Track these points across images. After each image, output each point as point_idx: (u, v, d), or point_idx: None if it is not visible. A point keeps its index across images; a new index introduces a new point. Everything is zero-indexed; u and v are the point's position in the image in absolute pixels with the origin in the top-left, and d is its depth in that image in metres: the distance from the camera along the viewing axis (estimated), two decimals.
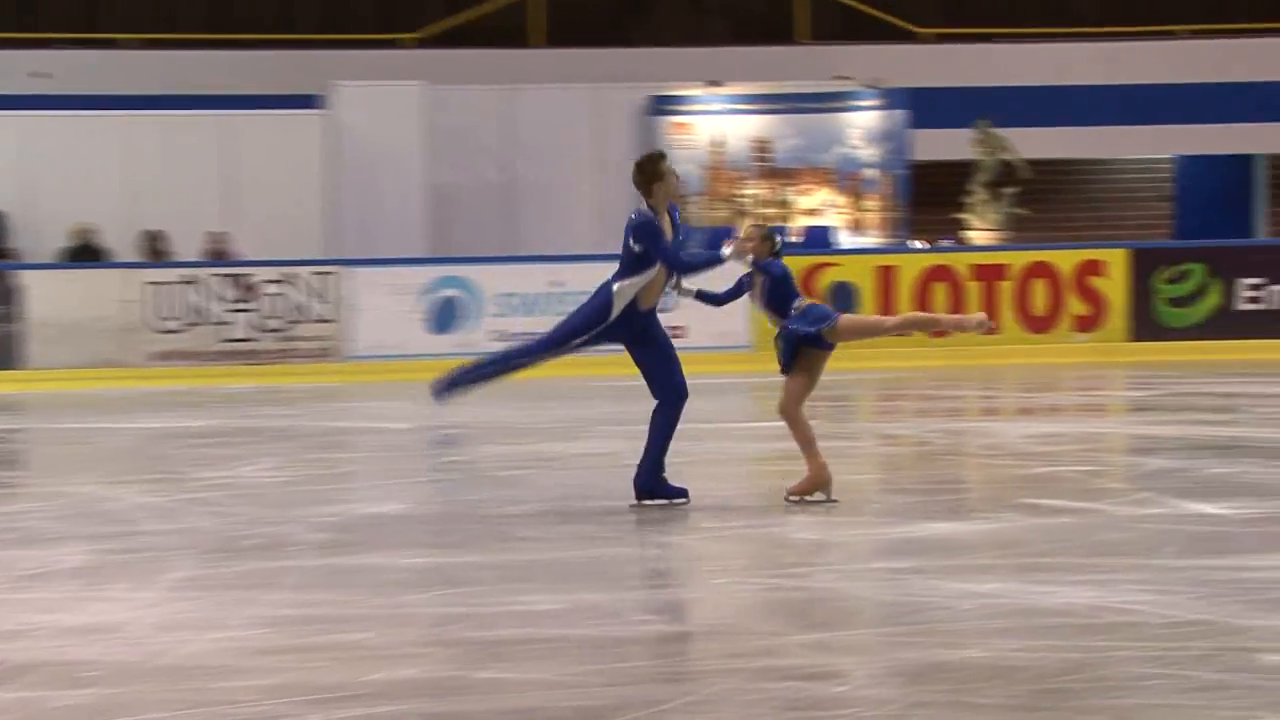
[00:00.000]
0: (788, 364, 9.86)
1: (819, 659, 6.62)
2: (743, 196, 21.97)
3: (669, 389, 9.87)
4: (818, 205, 21.96)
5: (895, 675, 6.37)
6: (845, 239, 21.74)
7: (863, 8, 25.24)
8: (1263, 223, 26.21)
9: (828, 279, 18.82)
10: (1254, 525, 9.11)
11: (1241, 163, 26.19)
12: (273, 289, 19.06)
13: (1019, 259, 19.26)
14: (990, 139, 22.07)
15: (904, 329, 10.53)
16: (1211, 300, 19.25)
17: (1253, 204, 26.31)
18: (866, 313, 18.66)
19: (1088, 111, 24.58)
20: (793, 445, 9.87)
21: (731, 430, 14.00)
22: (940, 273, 19.00)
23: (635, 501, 9.86)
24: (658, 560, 8.67)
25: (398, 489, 11.36)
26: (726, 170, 22.04)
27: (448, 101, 21.46)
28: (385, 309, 18.95)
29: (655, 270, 9.82)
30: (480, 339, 18.92)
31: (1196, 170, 26.38)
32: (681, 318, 18.91)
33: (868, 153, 21.81)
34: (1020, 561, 8.33)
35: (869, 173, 21.89)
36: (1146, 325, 19.11)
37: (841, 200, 21.98)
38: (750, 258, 9.89)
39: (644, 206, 9.92)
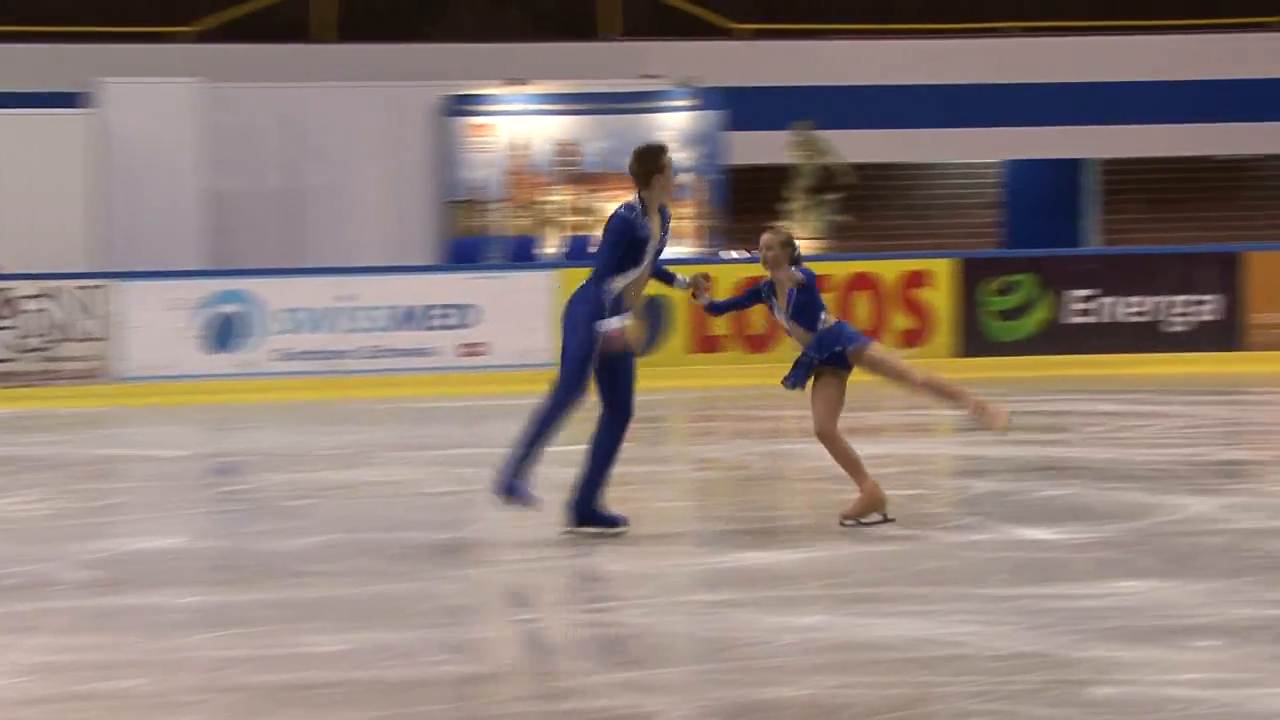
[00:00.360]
0: (798, 382, 9.89)
1: (630, 699, 6.64)
2: (547, 203, 22.00)
3: (625, 406, 9.82)
4: None
5: (711, 715, 6.41)
6: None
7: (675, 2, 25.41)
8: (1094, 231, 26.74)
9: None
10: (1085, 551, 9.30)
11: (1071, 167, 26.71)
12: (33, 305, 18.75)
13: (840, 269, 19.48)
14: (810, 142, 22.31)
15: (927, 390, 10.38)
16: (1041, 313, 19.60)
17: (1083, 211, 26.84)
18: (683, 329, 18.79)
19: (912, 113, 24.93)
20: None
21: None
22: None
23: (568, 528, 9.78)
24: (455, 595, 8.66)
25: (173, 522, 11.22)
26: (529, 175, 22.04)
27: (227, 100, 21.26)
28: (158, 326, 18.72)
29: (641, 269, 9.82)
30: (262, 358, 18.77)
31: (1025, 175, 26.86)
32: (481, 333, 18.92)
33: (680, 156, 21.93)
34: (842, 592, 8.43)
35: (682, 178, 22.02)
36: (974, 339, 19.41)
37: None
38: (791, 269, 9.81)
39: (635, 200, 9.89)
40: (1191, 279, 19.74)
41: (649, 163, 10.00)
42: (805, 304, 9.90)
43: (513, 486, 9.73)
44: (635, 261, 9.81)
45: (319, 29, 24.99)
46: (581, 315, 9.74)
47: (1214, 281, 19.60)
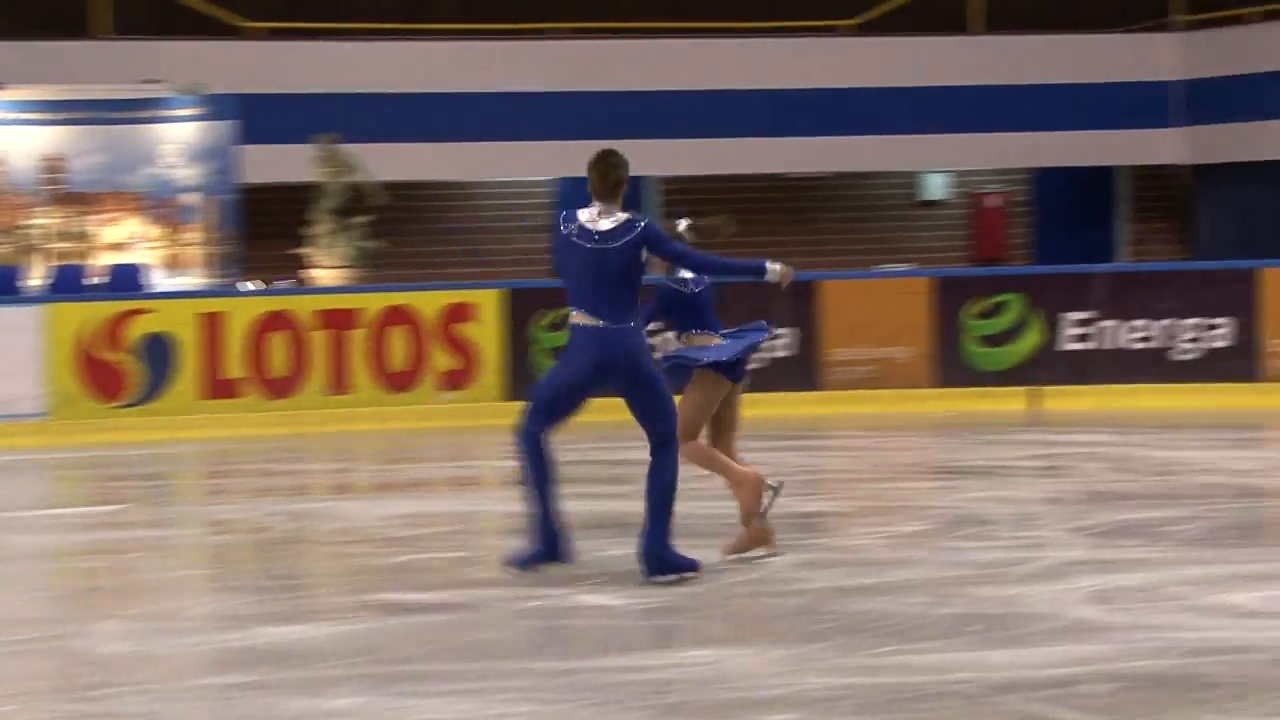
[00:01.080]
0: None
1: None
2: (30, 228, 21.56)
3: (668, 431, 10.63)
4: (125, 238, 21.73)
5: None
6: (160, 280, 21.58)
7: None
8: None
9: (140, 329, 18.61)
10: (648, 617, 9.46)
11: (630, 186, 27.16)
12: None
13: (373, 303, 19.49)
14: (335, 157, 22.30)
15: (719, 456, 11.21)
16: None
17: None
18: (192, 371, 18.55)
19: (452, 125, 25.09)
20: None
21: (21, 520, 13.70)
22: (278, 320, 19.05)
23: (646, 578, 9.99)
24: None
25: None
26: (8, 195, 21.59)
27: None
28: None
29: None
30: None
31: (579, 195, 27.18)
32: None
33: (186, 173, 21.70)
34: (379, 670, 8.43)
35: (188, 198, 21.79)
36: (523, 380, 19.57)
37: (154, 232, 21.82)
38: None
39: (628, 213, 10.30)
40: (764, 310, 20.19)
41: (624, 170, 10.32)
42: None
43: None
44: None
45: None
46: (645, 347, 10.69)
47: (787, 313, 20.12)
